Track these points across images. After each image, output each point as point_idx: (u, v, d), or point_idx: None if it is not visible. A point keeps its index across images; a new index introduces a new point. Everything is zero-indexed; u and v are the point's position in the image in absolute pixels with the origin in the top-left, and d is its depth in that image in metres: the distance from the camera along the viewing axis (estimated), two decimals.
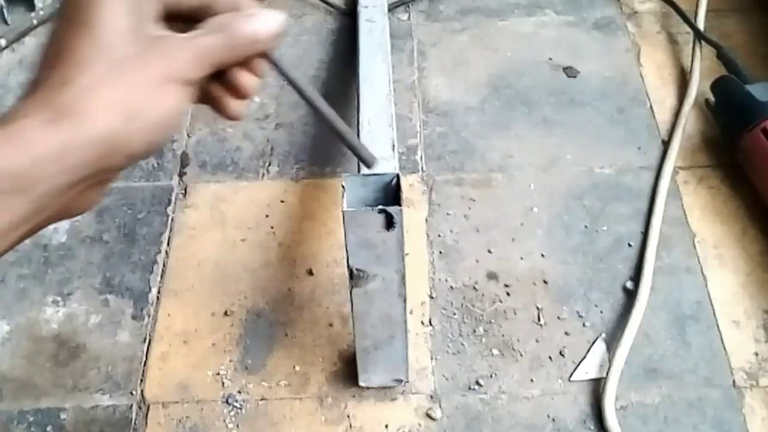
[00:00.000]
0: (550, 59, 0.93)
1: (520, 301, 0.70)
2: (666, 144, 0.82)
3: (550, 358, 0.67)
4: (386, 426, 0.63)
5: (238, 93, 0.37)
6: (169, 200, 0.79)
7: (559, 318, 0.69)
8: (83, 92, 0.31)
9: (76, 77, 0.32)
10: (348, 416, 0.64)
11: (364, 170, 0.53)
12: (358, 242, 0.51)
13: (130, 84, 0.32)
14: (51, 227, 0.73)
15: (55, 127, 0.31)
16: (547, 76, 0.91)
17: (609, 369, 0.64)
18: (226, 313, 0.70)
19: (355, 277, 0.54)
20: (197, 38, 0.34)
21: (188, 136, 0.85)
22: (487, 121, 0.86)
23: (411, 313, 0.69)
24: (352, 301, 0.56)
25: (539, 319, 0.69)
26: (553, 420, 0.63)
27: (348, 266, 0.53)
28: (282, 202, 0.79)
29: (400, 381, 0.64)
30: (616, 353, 0.65)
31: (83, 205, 0.34)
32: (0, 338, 0.69)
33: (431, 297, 0.71)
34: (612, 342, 0.67)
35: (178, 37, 0.34)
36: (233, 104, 0.37)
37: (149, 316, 0.71)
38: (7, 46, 0.97)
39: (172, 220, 0.78)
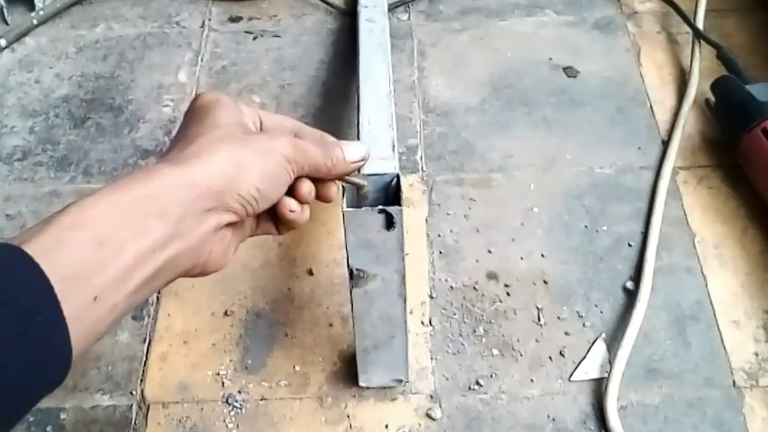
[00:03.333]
0: (550, 59, 0.93)
1: (520, 301, 0.70)
2: (666, 144, 0.82)
3: (550, 358, 0.67)
4: (386, 426, 0.63)
5: (305, 200, 0.48)
6: None
7: (559, 318, 0.69)
8: (206, 144, 0.41)
9: (198, 138, 0.42)
10: (348, 416, 0.64)
11: (364, 170, 0.53)
12: (358, 242, 0.51)
13: (240, 147, 0.42)
14: None
15: (185, 166, 0.40)
16: (547, 76, 0.91)
17: (610, 369, 0.64)
18: (226, 313, 0.71)
19: (355, 277, 0.54)
20: (299, 139, 0.46)
21: None
22: (487, 121, 0.86)
23: (411, 313, 0.69)
24: (352, 301, 0.56)
25: (539, 319, 0.69)
26: (553, 420, 0.63)
27: (348, 266, 0.53)
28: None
29: (400, 381, 0.64)
30: (618, 353, 0.65)
31: (217, 256, 0.43)
32: None
33: (431, 297, 0.71)
34: (612, 342, 0.67)
35: (282, 131, 0.47)
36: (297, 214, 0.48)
37: (149, 316, 0.71)
38: (7, 46, 0.97)
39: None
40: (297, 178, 0.47)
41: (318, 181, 0.48)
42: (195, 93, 0.90)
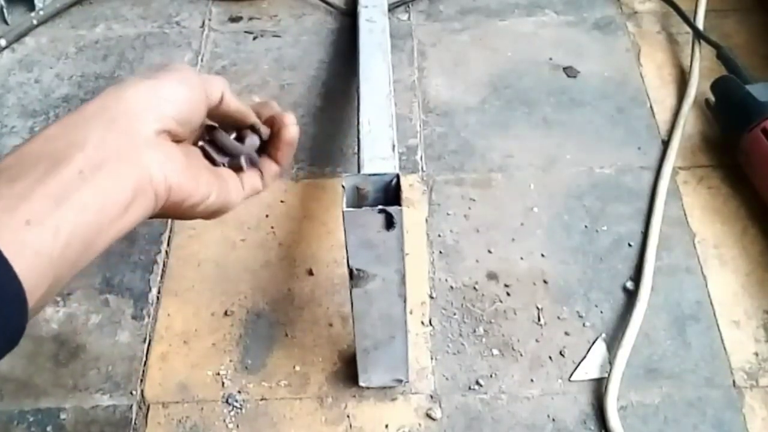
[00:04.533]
0: (550, 59, 0.93)
1: (520, 301, 0.70)
2: (666, 144, 0.82)
3: (550, 358, 0.67)
4: (386, 426, 0.63)
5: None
6: None
7: (559, 318, 0.69)
8: None
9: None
10: (348, 416, 0.64)
11: (364, 170, 0.53)
12: (358, 242, 0.51)
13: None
14: None
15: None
16: (547, 76, 0.91)
17: (610, 369, 0.64)
18: (226, 313, 0.70)
19: (355, 277, 0.54)
20: None
21: None
22: (487, 121, 0.86)
23: (411, 313, 0.69)
24: (352, 301, 0.56)
25: (539, 319, 0.69)
26: (553, 420, 0.63)
27: (348, 266, 0.53)
28: (282, 202, 0.79)
29: (400, 381, 0.64)
30: (618, 353, 0.65)
31: (175, 175, 0.40)
32: None
33: (431, 297, 0.71)
34: (612, 342, 0.67)
35: None
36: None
37: (149, 316, 0.71)
38: (7, 46, 0.97)
39: (172, 219, 0.78)
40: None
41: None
42: None
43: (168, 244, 0.76)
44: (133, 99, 0.40)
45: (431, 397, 0.65)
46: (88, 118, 0.38)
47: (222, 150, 0.47)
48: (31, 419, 0.64)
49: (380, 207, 0.50)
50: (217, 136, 0.47)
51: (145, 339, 0.69)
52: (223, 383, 0.66)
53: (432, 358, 0.67)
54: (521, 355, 0.67)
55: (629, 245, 0.74)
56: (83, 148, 0.37)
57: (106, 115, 0.39)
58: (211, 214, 0.45)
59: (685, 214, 0.76)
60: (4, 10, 1.00)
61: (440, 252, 0.74)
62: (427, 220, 0.77)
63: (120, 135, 0.38)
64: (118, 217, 0.38)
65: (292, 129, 0.49)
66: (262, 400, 0.65)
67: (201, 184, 0.43)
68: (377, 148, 0.56)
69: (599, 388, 0.64)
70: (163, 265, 0.74)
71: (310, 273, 0.73)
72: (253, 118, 0.48)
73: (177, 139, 0.42)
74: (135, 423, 0.64)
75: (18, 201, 0.34)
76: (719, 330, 0.68)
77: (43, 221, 0.34)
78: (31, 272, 0.33)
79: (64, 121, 0.38)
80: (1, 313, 0.32)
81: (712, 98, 0.84)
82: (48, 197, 0.34)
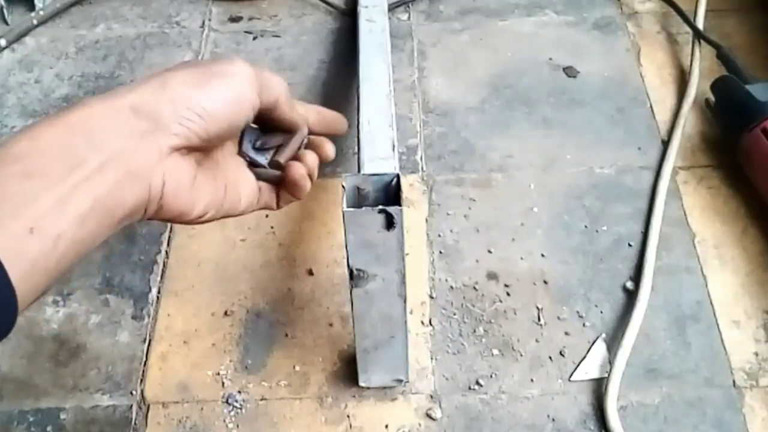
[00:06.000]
0: (550, 59, 0.93)
1: (520, 301, 0.70)
2: (666, 144, 0.82)
3: (550, 358, 0.67)
4: (386, 426, 0.63)
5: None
6: None
7: (559, 318, 0.69)
8: (144, 76, 0.40)
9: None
10: (348, 416, 0.64)
11: (364, 170, 0.53)
12: (358, 242, 0.51)
13: (182, 70, 0.41)
14: None
15: (111, 95, 0.38)
16: (547, 76, 0.91)
17: (610, 369, 0.64)
18: (226, 313, 0.71)
19: (355, 277, 0.54)
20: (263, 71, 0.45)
21: None
22: (487, 121, 0.86)
23: (411, 313, 0.69)
24: (352, 301, 0.56)
25: (539, 319, 0.69)
26: (553, 420, 0.63)
27: (348, 266, 0.53)
28: (280, 208, 0.79)
29: (400, 381, 0.64)
30: (618, 353, 0.65)
31: (175, 190, 0.40)
32: None
33: (431, 297, 0.71)
34: (612, 342, 0.67)
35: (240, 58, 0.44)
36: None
37: (149, 316, 0.71)
38: (7, 46, 0.97)
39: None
40: (304, 152, 0.47)
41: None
42: None
43: (168, 244, 0.76)
44: (168, 101, 0.39)
45: (431, 397, 0.65)
46: (117, 115, 0.37)
47: (252, 157, 0.48)
48: (31, 419, 0.64)
49: (380, 207, 0.50)
50: (247, 147, 0.48)
51: (145, 339, 0.69)
52: (223, 383, 0.66)
53: (432, 358, 0.67)
54: (521, 355, 0.67)
55: (629, 245, 0.74)
56: (100, 151, 0.36)
57: (135, 117, 0.38)
58: (208, 222, 0.45)
59: (685, 214, 0.76)
60: (4, 10, 1.00)
61: (440, 252, 0.74)
62: (427, 220, 0.77)
63: (139, 146, 0.38)
64: (109, 228, 0.37)
65: (328, 150, 0.50)
66: (262, 400, 0.65)
67: (198, 204, 0.42)
68: (377, 148, 0.56)
69: (599, 388, 0.64)
70: (163, 265, 0.74)
71: (310, 273, 0.73)
72: (302, 131, 0.49)
73: (198, 149, 0.42)
74: (135, 423, 0.64)
75: (26, 203, 0.33)
76: (719, 330, 0.68)
77: (46, 230, 0.34)
78: (25, 280, 0.33)
79: (92, 107, 0.37)
80: None
81: (712, 98, 0.84)
82: (56, 203, 0.34)
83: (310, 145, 0.51)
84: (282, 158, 0.48)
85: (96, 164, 0.36)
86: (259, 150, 0.48)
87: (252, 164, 0.48)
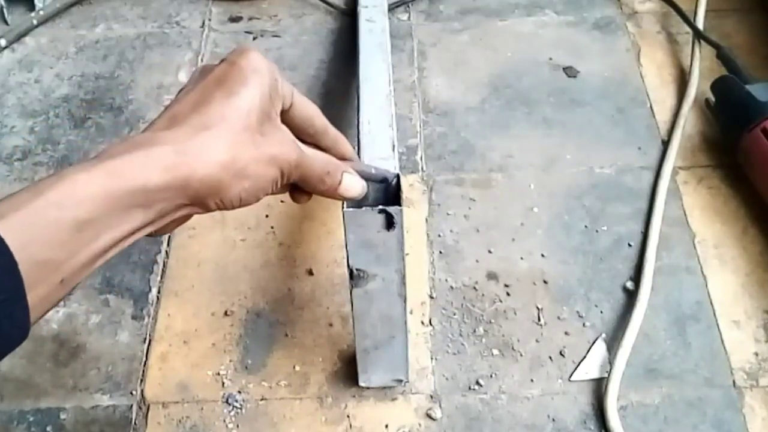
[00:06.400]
0: (550, 59, 0.93)
1: (520, 301, 0.70)
2: (666, 144, 0.82)
3: (550, 358, 0.67)
4: (386, 426, 0.63)
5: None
6: None
7: (559, 318, 0.69)
8: (211, 142, 0.39)
9: (211, 127, 0.39)
10: (348, 416, 0.64)
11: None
12: (358, 242, 0.51)
13: (247, 152, 0.40)
14: None
15: (183, 160, 0.37)
16: (547, 76, 0.91)
17: (610, 369, 0.64)
18: (226, 313, 0.71)
19: (355, 277, 0.54)
20: (308, 151, 0.44)
21: None
22: (487, 121, 0.86)
23: (411, 313, 0.69)
24: (352, 301, 0.56)
25: (539, 319, 0.69)
26: (553, 420, 0.63)
27: (348, 266, 0.53)
28: (282, 202, 0.79)
29: (400, 381, 0.64)
30: (618, 353, 0.65)
31: (166, 229, 0.41)
32: None
33: (431, 297, 0.71)
34: (612, 342, 0.67)
35: (293, 139, 0.44)
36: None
37: (149, 316, 0.71)
38: (7, 46, 0.97)
39: None
40: (295, 189, 0.47)
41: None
42: None
43: (168, 244, 0.76)
44: (217, 187, 0.39)
45: (431, 397, 0.65)
46: (171, 187, 0.38)
47: None
48: (31, 419, 0.64)
49: (380, 207, 0.50)
50: None
51: (145, 339, 0.69)
52: (223, 383, 0.66)
53: (432, 358, 0.67)
54: (521, 355, 0.67)
55: (629, 245, 0.74)
56: (147, 214, 0.37)
57: (186, 191, 0.38)
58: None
59: (685, 214, 0.76)
60: (4, 10, 1.00)
61: (440, 252, 0.74)
62: (427, 220, 0.77)
63: (182, 210, 0.39)
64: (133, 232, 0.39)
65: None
66: (262, 400, 0.65)
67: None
68: (377, 148, 0.56)
69: (599, 388, 0.64)
70: (163, 265, 0.74)
71: (310, 273, 0.73)
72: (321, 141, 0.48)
73: None
74: (135, 423, 0.64)
75: (70, 256, 0.34)
76: (719, 330, 0.68)
77: (74, 281, 0.35)
78: (34, 315, 0.34)
79: (150, 170, 0.37)
80: (12, 315, 0.33)
81: (712, 98, 0.84)
82: (92, 257, 0.35)
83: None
84: None
85: (138, 224, 0.37)
86: None
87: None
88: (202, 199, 0.39)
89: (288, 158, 0.42)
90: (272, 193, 0.43)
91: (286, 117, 0.45)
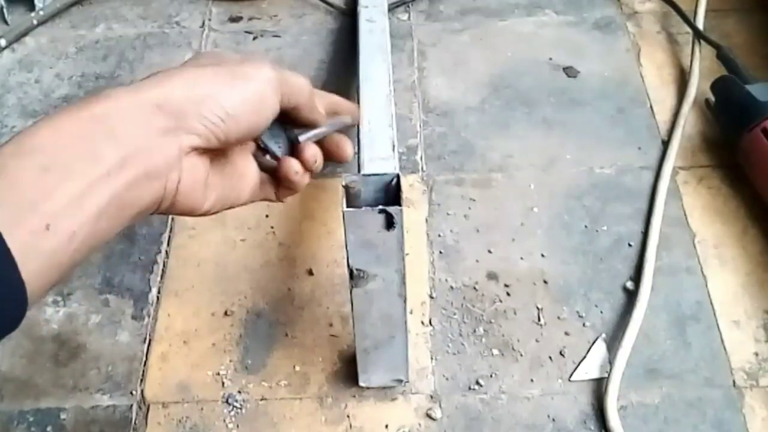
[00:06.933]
0: (550, 59, 0.93)
1: (520, 301, 0.70)
2: (666, 144, 0.82)
3: (550, 358, 0.67)
4: (386, 426, 0.63)
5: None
6: None
7: (559, 318, 0.69)
8: (170, 70, 0.39)
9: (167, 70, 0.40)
10: (348, 416, 0.64)
11: (364, 170, 0.53)
12: (358, 242, 0.51)
13: (208, 69, 0.40)
14: None
15: (137, 89, 0.38)
16: (547, 76, 0.91)
17: (611, 369, 0.64)
18: (226, 313, 0.71)
19: (355, 277, 0.54)
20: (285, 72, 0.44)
21: None
22: (487, 121, 0.86)
23: (411, 313, 0.69)
24: (352, 301, 0.56)
25: (539, 319, 0.69)
26: (553, 420, 0.63)
27: (348, 266, 0.53)
28: (282, 202, 0.79)
29: (400, 381, 0.64)
30: (618, 353, 0.65)
31: (188, 189, 0.40)
32: None
33: (431, 297, 0.71)
34: (612, 342, 0.67)
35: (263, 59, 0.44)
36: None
37: (149, 316, 0.71)
38: (7, 46, 0.97)
39: (172, 219, 0.78)
40: (302, 144, 0.46)
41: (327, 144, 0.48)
42: None
43: (168, 244, 0.76)
44: (193, 101, 0.38)
45: (431, 397, 0.65)
46: (141, 110, 0.37)
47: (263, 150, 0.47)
48: (31, 419, 0.64)
49: (380, 207, 0.50)
50: (266, 134, 0.46)
51: (145, 339, 0.69)
52: (223, 383, 0.66)
53: (432, 358, 0.67)
54: (521, 355, 0.67)
55: (629, 245, 0.74)
56: (121, 146, 0.35)
57: (160, 113, 0.37)
58: (213, 214, 0.45)
59: (685, 214, 0.76)
60: (4, 10, 1.00)
61: (440, 252, 0.74)
62: (427, 220, 0.77)
63: (160, 143, 0.37)
64: (122, 223, 0.37)
65: (346, 150, 0.49)
66: (262, 400, 0.65)
67: (208, 200, 0.43)
68: (377, 148, 0.56)
69: (599, 388, 0.64)
70: (163, 265, 0.74)
71: (310, 273, 0.73)
72: (343, 120, 0.49)
73: (214, 149, 0.41)
74: (135, 423, 0.64)
75: (43, 198, 0.33)
76: (719, 330, 0.68)
77: (62, 227, 0.33)
78: (37, 275, 0.33)
79: (117, 99, 0.36)
80: (2, 313, 0.32)
81: (712, 98, 0.84)
82: (73, 199, 0.33)
83: (326, 144, 0.49)
84: (302, 137, 0.46)
85: (116, 160, 0.35)
86: (275, 138, 0.47)
87: (262, 150, 0.47)
88: (174, 115, 0.37)
89: (262, 69, 0.42)
90: (273, 111, 0.43)
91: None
